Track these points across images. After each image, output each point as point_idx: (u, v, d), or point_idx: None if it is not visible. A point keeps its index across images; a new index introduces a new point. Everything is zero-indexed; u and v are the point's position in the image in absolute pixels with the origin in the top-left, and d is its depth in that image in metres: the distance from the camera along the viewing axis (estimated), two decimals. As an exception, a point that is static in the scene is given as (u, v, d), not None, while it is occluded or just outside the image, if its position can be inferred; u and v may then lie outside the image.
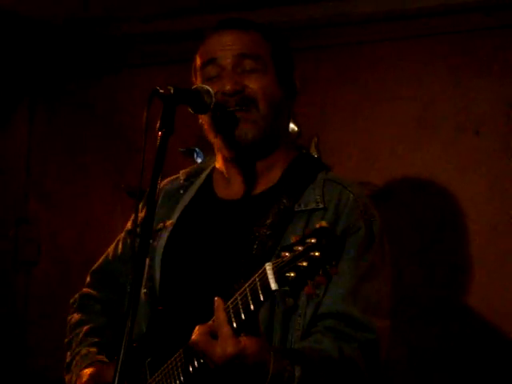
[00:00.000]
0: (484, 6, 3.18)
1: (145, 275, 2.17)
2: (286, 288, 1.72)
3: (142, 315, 2.17)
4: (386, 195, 3.26)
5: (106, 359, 2.22)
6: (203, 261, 2.14)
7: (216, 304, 1.83)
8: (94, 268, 2.47)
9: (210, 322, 1.86)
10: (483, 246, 3.16)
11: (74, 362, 2.25)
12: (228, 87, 2.10)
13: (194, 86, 2.12)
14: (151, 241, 2.17)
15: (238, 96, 2.11)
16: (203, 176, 2.33)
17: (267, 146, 2.17)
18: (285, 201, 2.09)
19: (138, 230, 2.16)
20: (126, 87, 3.85)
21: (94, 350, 2.25)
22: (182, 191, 2.31)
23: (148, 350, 2.14)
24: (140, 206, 2.24)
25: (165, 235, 2.24)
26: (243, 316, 1.80)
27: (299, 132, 2.31)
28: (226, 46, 2.14)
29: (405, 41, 3.35)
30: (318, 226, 1.70)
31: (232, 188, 2.22)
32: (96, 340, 2.28)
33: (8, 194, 3.98)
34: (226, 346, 1.79)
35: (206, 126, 2.21)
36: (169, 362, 2.01)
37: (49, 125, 4.02)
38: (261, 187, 2.18)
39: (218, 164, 2.28)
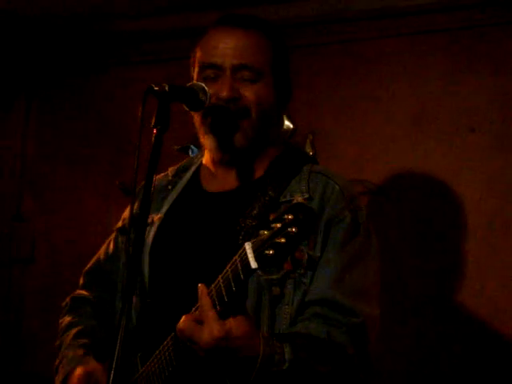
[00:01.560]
0: (480, 3, 3.18)
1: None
2: (266, 267, 1.73)
3: (133, 309, 2.17)
4: (381, 193, 3.27)
5: (93, 360, 2.22)
6: (190, 253, 2.16)
7: (199, 290, 1.84)
8: (86, 269, 2.49)
9: (194, 310, 1.87)
10: (479, 243, 3.16)
11: (61, 365, 2.26)
12: (225, 93, 2.12)
13: (189, 84, 2.13)
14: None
15: (233, 103, 2.13)
16: (191, 171, 2.36)
17: (255, 150, 2.21)
18: (270, 192, 2.12)
19: (129, 225, 2.19)
20: (123, 84, 3.85)
21: (80, 352, 2.25)
22: (170, 187, 2.34)
23: (139, 343, 2.15)
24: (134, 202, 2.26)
25: (153, 230, 2.26)
26: (226, 298, 1.81)
27: (294, 129, 2.32)
28: (227, 51, 2.16)
29: (400, 38, 3.35)
30: (293, 202, 1.72)
31: (218, 181, 2.25)
32: (84, 342, 2.29)
33: (3, 191, 3.98)
34: (211, 329, 1.79)
35: (197, 125, 2.23)
36: (157, 352, 2.02)
37: (44, 122, 4.02)
38: (247, 180, 2.21)
39: (205, 160, 2.31)
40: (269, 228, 1.71)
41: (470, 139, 3.22)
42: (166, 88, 1.98)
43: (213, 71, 2.17)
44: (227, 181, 2.22)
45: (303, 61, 3.39)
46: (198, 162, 2.36)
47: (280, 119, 2.30)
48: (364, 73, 3.40)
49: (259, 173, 2.21)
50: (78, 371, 2.18)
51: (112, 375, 1.74)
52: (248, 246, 1.73)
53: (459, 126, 3.24)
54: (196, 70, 2.23)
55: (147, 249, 2.23)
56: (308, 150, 2.54)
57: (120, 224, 2.44)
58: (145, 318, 2.19)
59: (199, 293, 1.84)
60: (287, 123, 2.32)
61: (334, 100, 3.44)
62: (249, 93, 2.14)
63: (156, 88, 1.97)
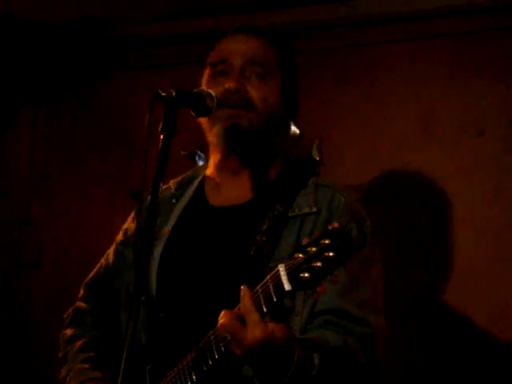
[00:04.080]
0: (487, 8, 3.18)
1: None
2: (300, 290, 1.75)
3: (141, 323, 2.17)
4: (381, 201, 3.27)
5: (100, 375, 2.24)
6: (202, 268, 2.17)
7: (242, 291, 1.84)
8: (86, 280, 2.50)
9: (236, 309, 1.87)
10: (487, 248, 3.16)
11: (68, 378, 2.27)
12: (231, 84, 2.16)
13: (196, 90, 2.13)
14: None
15: (239, 95, 2.17)
16: (195, 184, 2.37)
17: (259, 153, 2.23)
18: (278, 207, 2.15)
19: (130, 236, 2.20)
20: (129, 89, 3.85)
21: (87, 365, 2.27)
22: (174, 200, 2.35)
23: (148, 357, 2.15)
24: (132, 216, 2.29)
25: (161, 244, 2.26)
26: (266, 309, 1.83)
27: (301, 135, 2.33)
28: (238, 49, 2.21)
29: (407, 42, 3.35)
30: (330, 227, 1.73)
31: (223, 195, 2.26)
32: (89, 355, 2.30)
33: (11, 196, 3.98)
34: (254, 331, 1.80)
35: (203, 125, 2.26)
36: (179, 362, 2.02)
37: (51, 128, 4.02)
38: (252, 194, 2.23)
39: (210, 171, 2.32)
40: (304, 252, 1.72)
41: (478, 143, 3.21)
42: (173, 94, 1.98)
43: (223, 66, 2.22)
44: (233, 194, 2.23)
45: (309, 65, 3.38)
46: (202, 175, 2.37)
47: (287, 129, 2.32)
48: (370, 77, 3.40)
49: (264, 186, 2.22)
50: None
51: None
52: (282, 268, 1.75)
53: (466, 131, 3.23)
54: (207, 71, 2.27)
55: (155, 263, 2.23)
56: (314, 155, 2.55)
57: (121, 236, 2.45)
58: (155, 332, 2.19)
59: (242, 294, 1.84)
60: (293, 128, 2.33)
61: (340, 105, 3.44)
62: (255, 89, 2.18)
63: (163, 94, 1.98)
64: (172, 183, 2.40)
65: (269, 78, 2.20)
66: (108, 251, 2.47)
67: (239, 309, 1.86)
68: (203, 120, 2.24)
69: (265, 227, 2.11)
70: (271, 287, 1.77)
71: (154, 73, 3.76)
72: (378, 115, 3.37)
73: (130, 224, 2.45)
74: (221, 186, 2.27)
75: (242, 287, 1.85)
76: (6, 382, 3.85)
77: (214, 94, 2.11)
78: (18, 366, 3.87)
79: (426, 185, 3.28)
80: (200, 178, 2.37)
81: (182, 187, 2.37)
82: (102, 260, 2.47)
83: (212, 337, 1.92)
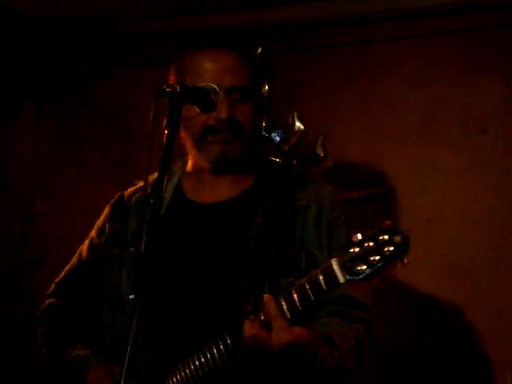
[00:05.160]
0: (490, 5, 3.18)
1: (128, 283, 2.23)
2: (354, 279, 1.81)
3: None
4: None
5: (102, 359, 2.24)
6: (197, 266, 2.18)
7: (266, 300, 1.88)
8: (58, 279, 2.51)
9: (258, 316, 1.90)
10: (490, 246, 3.16)
11: (75, 363, 2.27)
12: (224, 115, 2.19)
13: (202, 84, 2.13)
14: (132, 249, 2.26)
15: (232, 125, 2.21)
16: (172, 183, 2.36)
17: (243, 162, 2.27)
18: (267, 201, 2.19)
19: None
20: (131, 86, 3.86)
21: (87, 351, 2.28)
22: (152, 200, 2.34)
23: (141, 350, 2.14)
24: (107, 214, 2.40)
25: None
26: (301, 308, 1.87)
27: (305, 130, 2.33)
28: (218, 73, 2.23)
29: (411, 39, 3.35)
30: (385, 225, 1.80)
31: (207, 192, 2.29)
32: (81, 344, 2.31)
33: (14, 193, 3.99)
34: (281, 336, 1.85)
35: (188, 142, 2.28)
36: (196, 357, 2.03)
37: (55, 124, 4.03)
38: (235, 191, 2.26)
39: (190, 168, 2.34)
40: (361, 246, 1.79)
41: (481, 141, 3.22)
42: (178, 89, 1.98)
43: None
44: (217, 191, 2.27)
45: (310, 63, 3.40)
46: (179, 172, 2.38)
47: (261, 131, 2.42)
48: (374, 74, 3.41)
49: (246, 184, 2.27)
50: (101, 372, 2.20)
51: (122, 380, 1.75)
52: (335, 262, 1.81)
53: (469, 128, 3.24)
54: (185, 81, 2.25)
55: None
56: (319, 151, 2.56)
57: (94, 233, 2.47)
58: (149, 328, 2.17)
59: (265, 301, 1.89)
60: (298, 124, 2.34)
61: (345, 102, 3.44)
62: (242, 114, 2.23)
63: (168, 89, 1.97)
64: (148, 184, 2.35)
65: (248, 97, 2.26)
66: (80, 247, 2.48)
67: (257, 315, 1.90)
68: (186, 138, 2.27)
69: (258, 220, 2.16)
70: (322, 279, 1.82)
71: (155, 70, 3.76)
72: (380, 112, 3.37)
73: (107, 223, 2.46)
74: (204, 181, 2.30)
75: (264, 296, 1.90)
76: (8, 378, 3.86)
77: (218, 89, 2.11)
78: (22, 361, 3.88)
79: (427, 182, 3.28)
80: (177, 176, 2.38)
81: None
82: (74, 259, 2.48)
83: (228, 341, 1.96)
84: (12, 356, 3.89)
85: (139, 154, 3.69)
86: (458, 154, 3.25)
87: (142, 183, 2.44)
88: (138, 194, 2.41)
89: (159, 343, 2.15)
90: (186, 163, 2.36)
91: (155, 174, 2.39)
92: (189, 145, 2.28)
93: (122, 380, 1.74)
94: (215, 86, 2.14)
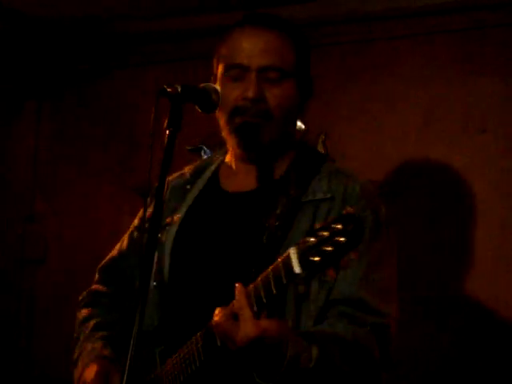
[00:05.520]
0: (491, 4, 3.18)
1: (154, 269, 2.19)
2: (308, 272, 1.75)
3: (153, 307, 2.20)
4: (392, 194, 3.26)
5: (111, 354, 2.24)
6: (213, 252, 2.17)
7: (237, 289, 1.86)
8: (101, 265, 2.49)
9: (231, 305, 1.88)
10: (489, 244, 3.16)
11: (81, 358, 2.27)
12: (251, 94, 2.14)
13: (202, 85, 2.12)
14: (159, 235, 2.20)
15: (258, 105, 2.15)
16: (210, 170, 2.36)
17: (277, 148, 2.22)
18: (292, 192, 2.14)
19: (146, 225, 2.20)
20: (131, 86, 3.86)
21: (99, 345, 2.27)
22: (188, 186, 2.35)
23: (159, 339, 2.16)
24: (148, 201, 2.26)
25: (174, 229, 2.26)
26: (265, 300, 1.83)
27: (306, 129, 2.33)
28: (253, 52, 2.18)
29: (411, 38, 3.35)
30: (344, 212, 1.75)
31: (238, 181, 2.25)
32: (102, 334, 2.30)
33: (15, 193, 3.99)
34: (246, 328, 1.82)
35: (221, 123, 2.24)
36: (184, 346, 2.03)
37: (55, 124, 4.03)
38: (267, 180, 2.22)
39: (228, 158, 2.32)
40: (316, 236, 1.72)
41: (481, 140, 3.21)
42: (179, 89, 1.98)
43: (238, 71, 2.18)
44: (248, 181, 2.23)
45: (315, 61, 3.38)
46: (219, 161, 2.36)
47: (300, 112, 2.31)
48: (375, 74, 3.41)
49: (279, 172, 2.22)
50: (96, 368, 2.19)
51: (125, 373, 1.75)
52: (293, 251, 1.75)
53: (470, 128, 3.23)
54: (220, 70, 2.23)
55: (168, 248, 2.24)
56: (320, 150, 2.55)
57: (136, 222, 2.45)
58: (166, 315, 2.20)
59: (236, 291, 1.86)
60: (299, 124, 2.33)
61: (346, 101, 3.44)
62: (273, 94, 2.16)
63: (169, 89, 1.97)
64: (187, 169, 2.39)
65: (285, 79, 2.18)
66: (123, 237, 2.47)
67: (233, 304, 1.87)
68: (221, 117, 2.22)
69: (278, 212, 2.10)
70: (282, 270, 1.78)
71: (158, 69, 3.77)
72: (380, 111, 3.37)
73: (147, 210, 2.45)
74: (237, 171, 2.26)
75: (236, 284, 1.86)
76: (8, 378, 3.86)
77: (219, 90, 2.11)
78: (22, 361, 3.88)
79: (428, 181, 3.28)
80: (216, 164, 2.36)
81: (196, 173, 2.37)
82: (117, 245, 2.47)
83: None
84: (12, 356, 3.89)
85: (139, 154, 3.69)
86: (458, 153, 3.24)
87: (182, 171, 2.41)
88: (175, 181, 2.38)
89: (175, 332, 2.14)
90: (226, 152, 2.34)
91: (194, 165, 2.40)
92: (222, 127, 2.23)
93: (124, 380, 1.75)
94: (246, 64, 2.14)
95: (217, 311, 1.89)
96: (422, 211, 3.26)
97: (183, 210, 2.29)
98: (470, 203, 3.21)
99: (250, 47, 2.18)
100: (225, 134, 2.23)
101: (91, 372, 2.20)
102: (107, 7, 3.64)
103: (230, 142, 2.23)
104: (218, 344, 1.91)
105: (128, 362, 1.75)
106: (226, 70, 2.21)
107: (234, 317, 1.85)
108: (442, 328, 3.18)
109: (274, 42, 2.19)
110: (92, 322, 2.34)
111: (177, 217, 2.28)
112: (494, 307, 3.12)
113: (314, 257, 1.71)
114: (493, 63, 3.22)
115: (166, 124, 1.95)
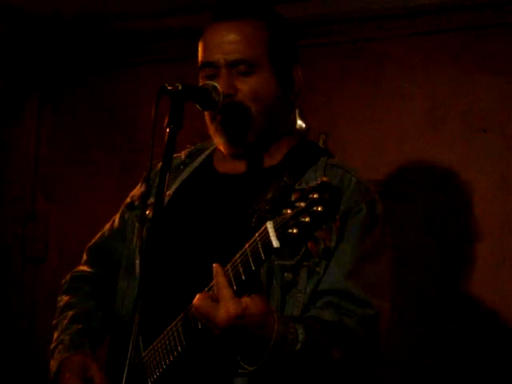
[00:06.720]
0: (493, 3, 3.18)
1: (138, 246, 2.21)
2: (287, 245, 1.69)
3: (130, 290, 2.23)
4: (392, 194, 3.27)
5: (87, 349, 2.25)
6: (199, 234, 2.16)
7: (214, 269, 1.82)
8: (89, 244, 2.51)
9: (210, 291, 1.85)
10: (490, 243, 3.16)
11: (57, 350, 2.29)
12: (221, 90, 2.12)
13: (203, 83, 2.13)
14: (147, 212, 2.21)
15: (229, 99, 2.13)
16: (205, 154, 2.37)
17: (266, 141, 2.21)
18: (286, 179, 2.12)
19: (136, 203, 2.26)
20: (134, 83, 3.86)
21: (76, 338, 2.28)
22: (182, 167, 2.35)
23: (142, 325, 2.13)
24: (140, 185, 2.34)
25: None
26: (244, 277, 1.79)
27: (307, 129, 2.32)
28: (220, 47, 2.16)
29: (413, 37, 3.35)
30: (319, 181, 1.68)
31: (233, 165, 2.24)
32: (79, 327, 2.31)
33: (16, 191, 4.00)
34: (228, 307, 1.77)
35: (207, 122, 2.24)
36: (165, 331, 2.01)
37: (57, 122, 4.04)
38: (262, 166, 2.21)
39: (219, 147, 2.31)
40: (292, 207, 1.67)
41: (482, 139, 3.22)
42: (180, 87, 1.98)
43: (210, 69, 2.18)
44: (242, 165, 2.22)
45: (312, 60, 3.39)
46: (213, 146, 2.35)
47: (292, 108, 2.29)
48: (375, 73, 3.41)
49: (275, 160, 2.21)
50: (73, 362, 2.20)
51: (125, 373, 1.75)
52: (270, 225, 1.69)
53: (471, 126, 3.24)
54: (200, 73, 2.24)
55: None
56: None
57: (128, 200, 2.44)
58: (148, 299, 2.18)
59: (214, 271, 1.81)
60: (300, 122, 2.32)
61: (346, 100, 3.44)
62: (245, 86, 2.15)
63: (169, 87, 1.98)
64: (183, 152, 2.40)
65: (257, 69, 2.16)
66: (114, 216, 2.46)
67: (210, 288, 1.85)
68: (206, 116, 2.23)
69: (269, 196, 2.08)
70: (260, 245, 1.72)
71: (160, 67, 3.77)
72: (383, 110, 3.37)
73: (138, 190, 2.44)
74: (229, 158, 2.25)
75: (213, 265, 1.82)
76: (11, 375, 3.86)
77: (219, 88, 2.11)
78: (22, 359, 3.88)
79: (428, 181, 3.28)
80: (211, 149, 2.36)
81: (191, 156, 2.38)
82: (107, 225, 2.47)
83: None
84: (13, 354, 3.89)
85: (140, 154, 3.69)
86: (459, 151, 3.24)
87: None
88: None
89: (158, 317, 2.11)
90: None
91: (190, 148, 2.39)
92: (208, 126, 2.24)
93: (124, 380, 1.76)
94: (215, 61, 2.13)
95: (197, 296, 1.84)
96: (422, 211, 3.26)
97: (173, 188, 2.28)
98: (470, 203, 3.21)
99: (218, 43, 2.17)
100: (211, 132, 2.23)
101: (67, 366, 2.21)
102: (107, 6, 3.65)
103: (217, 140, 2.23)
104: (199, 327, 1.87)
105: (128, 362, 1.75)
106: (201, 70, 2.21)
107: (214, 299, 1.81)
108: (442, 328, 3.18)
109: (242, 32, 2.16)
110: (70, 313, 2.35)
111: (165, 194, 2.23)
112: (494, 307, 3.12)
113: (293, 229, 1.66)
114: (493, 63, 3.22)
115: (166, 122, 1.96)
